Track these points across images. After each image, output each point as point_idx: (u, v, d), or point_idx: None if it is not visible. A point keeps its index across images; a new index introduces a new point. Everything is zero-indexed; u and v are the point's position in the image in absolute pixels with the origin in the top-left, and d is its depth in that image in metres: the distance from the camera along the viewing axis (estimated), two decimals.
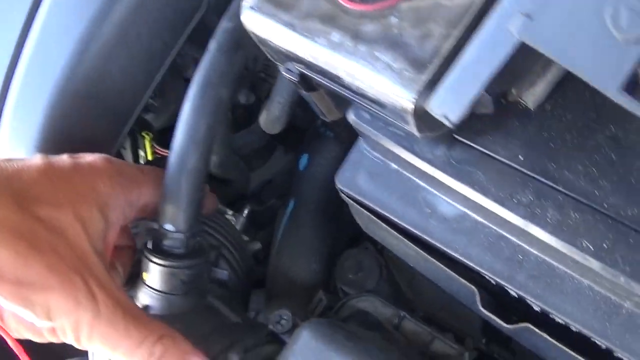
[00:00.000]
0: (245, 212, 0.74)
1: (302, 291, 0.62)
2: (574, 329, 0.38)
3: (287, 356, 0.44)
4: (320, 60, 0.38)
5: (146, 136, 0.69)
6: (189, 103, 0.49)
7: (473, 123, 0.40)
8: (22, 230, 0.42)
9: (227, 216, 0.72)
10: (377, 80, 0.36)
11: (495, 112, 0.39)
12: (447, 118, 0.31)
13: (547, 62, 0.37)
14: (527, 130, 0.39)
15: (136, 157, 0.71)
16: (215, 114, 0.48)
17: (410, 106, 0.35)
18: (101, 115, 0.57)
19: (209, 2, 0.58)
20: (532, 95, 0.38)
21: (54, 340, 0.46)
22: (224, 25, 0.51)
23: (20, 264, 0.41)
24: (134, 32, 0.56)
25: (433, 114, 0.32)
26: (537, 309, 0.40)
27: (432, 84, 0.35)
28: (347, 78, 0.37)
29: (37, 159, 0.47)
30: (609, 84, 0.26)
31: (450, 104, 0.31)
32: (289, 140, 0.78)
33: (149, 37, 0.57)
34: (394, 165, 0.45)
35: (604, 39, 0.26)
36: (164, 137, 0.72)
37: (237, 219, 0.74)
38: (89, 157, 0.49)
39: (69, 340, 0.45)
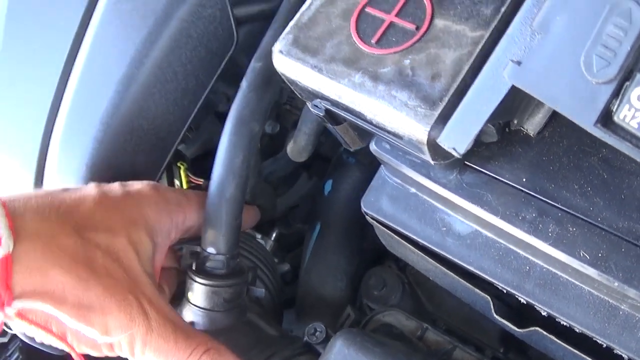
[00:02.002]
0: (274, 235, 0.82)
1: (331, 308, 0.69)
2: (577, 330, 0.45)
3: None
4: (344, 99, 0.45)
5: (181, 166, 0.77)
6: (226, 138, 0.56)
7: (481, 150, 0.47)
8: (82, 257, 0.50)
9: (257, 239, 0.79)
10: (394, 116, 0.43)
11: (500, 139, 0.46)
12: (455, 150, 0.38)
13: None
14: (528, 154, 0.46)
15: (172, 187, 0.79)
16: (249, 147, 0.56)
17: (424, 138, 0.42)
18: (144, 149, 0.64)
19: (237, 42, 0.66)
20: (532, 124, 0.45)
21: (111, 354, 0.53)
22: (253, 65, 0.59)
23: (81, 288, 0.49)
24: (170, 72, 0.64)
25: (443, 147, 0.39)
26: (544, 313, 0.47)
27: (442, 118, 0.42)
28: (368, 114, 0.45)
29: (91, 189, 0.54)
30: (585, 119, 0.33)
31: (457, 138, 0.38)
32: (312, 167, 0.86)
33: (184, 75, 0.65)
34: (412, 190, 0.52)
35: (580, 81, 0.33)
36: (196, 166, 0.80)
37: (265, 243, 0.82)
38: (137, 185, 0.56)
39: (125, 353, 0.52)
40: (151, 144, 0.65)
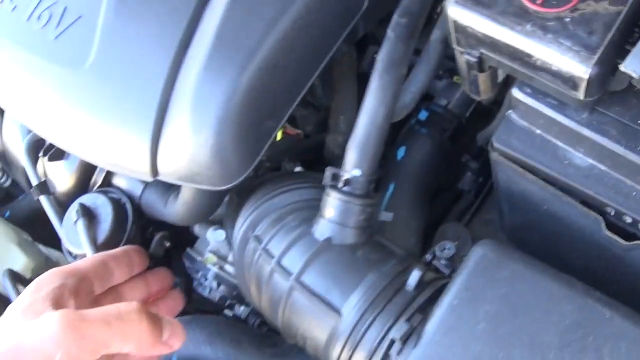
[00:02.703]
0: None
1: None
2: None
3: (462, 273, 0.61)
4: (517, 44, 0.58)
5: None
6: (377, 75, 0.67)
7: (606, 97, 0.60)
8: None
9: None
10: (560, 58, 0.56)
11: (624, 89, 0.60)
12: (635, 72, 0.52)
13: None
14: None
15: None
16: (398, 85, 0.67)
17: (586, 76, 0.55)
18: (276, 92, 0.73)
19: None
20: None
21: None
22: (398, 19, 0.70)
23: None
24: (303, 33, 0.74)
25: (625, 71, 0.53)
26: None
27: (599, 62, 0.55)
28: (536, 56, 0.57)
29: None
30: None
31: (636, 64, 0.52)
32: None
33: (316, 36, 0.74)
34: (537, 131, 0.65)
35: None
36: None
37: None
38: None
39: None
40: (283, 88, 0.74)
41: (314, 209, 0.73)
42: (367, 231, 0.68)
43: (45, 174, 0.95)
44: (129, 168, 0.78)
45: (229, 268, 0.93)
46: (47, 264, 1.17)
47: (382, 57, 0.68)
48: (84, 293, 0.63)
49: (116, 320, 0.57)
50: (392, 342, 0.61)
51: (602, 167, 0.62)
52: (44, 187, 0.94)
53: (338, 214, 0.67)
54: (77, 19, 0.82)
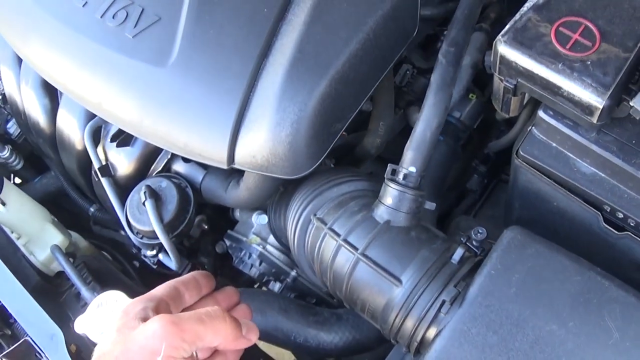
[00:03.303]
0: None
1: None
2: None
3: (497, 250, 0.80)
4: (550, 78, 0.77)
5: None
6: (432, 93, 0.86)
7: (611, 122, 0.81)
8: None
9: None
10: (583, 92, 0.76)
11: (623, 118, 0.81)
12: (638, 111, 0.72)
13: None
14: (638, 126, 0.81)
15: None
16: (448, 101, 0.86)
17: (600, 106, 0.75)
18: (347, 93, 0.89)
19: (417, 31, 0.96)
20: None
21: None
22: (447, 48, 0.88)
23: None
24: (370, 51, 0.90)
25: (633, 112, 0.73)
26: (632, 223, 0.82)
27: (611, 97, 0.75)
28: (565, 89, 0.77)
29: None
30: None
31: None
32: None
33: (378, 55, 0.92)
34: (554, 144, 0.85)
35: None
36: None
37: None
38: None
39: None
40: (350, 96, 0.91)
41: (369, 197, 0.91)
42: (417, 216, 0.86)
43: (106, 159, 1.07)
44: (207, 156, 0.92)
45: (270, 248, 1.09)
46: (71, 243, 1.29)
47: (435, 78, 0.87)
48: (164, 313, 0.72)
49: (207, 317, 0.70)
50: (443, 302, 0.79)
51: (603, 175, 0.83)
52: (106, 170, 1.06)
53: (396, 202, 0.85)
54: (157, 21, 0.96)
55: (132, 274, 1.28)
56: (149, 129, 0.96)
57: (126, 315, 0.71)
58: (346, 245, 0.85)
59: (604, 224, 0.84)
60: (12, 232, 1.19)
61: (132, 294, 0.93)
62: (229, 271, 1.19)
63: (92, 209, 1.34)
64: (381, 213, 0.86)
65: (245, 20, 0.93)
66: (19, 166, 1.43)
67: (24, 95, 1.16)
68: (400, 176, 0.86)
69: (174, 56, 0.93)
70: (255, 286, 1.17)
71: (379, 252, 0.84)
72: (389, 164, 0.87)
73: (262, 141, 0.88)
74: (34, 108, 1.16)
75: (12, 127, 1.37)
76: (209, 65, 0.92)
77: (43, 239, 1.22)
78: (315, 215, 0.91)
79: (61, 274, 1.19)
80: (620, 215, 0.83)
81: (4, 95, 1.27)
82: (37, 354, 0.96)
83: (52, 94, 1.15)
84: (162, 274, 1.11)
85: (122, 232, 1.35)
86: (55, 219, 1.30)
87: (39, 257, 1.18)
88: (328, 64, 0.87)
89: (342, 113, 0.90)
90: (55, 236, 1.22)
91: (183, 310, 0.78)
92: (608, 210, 0.84)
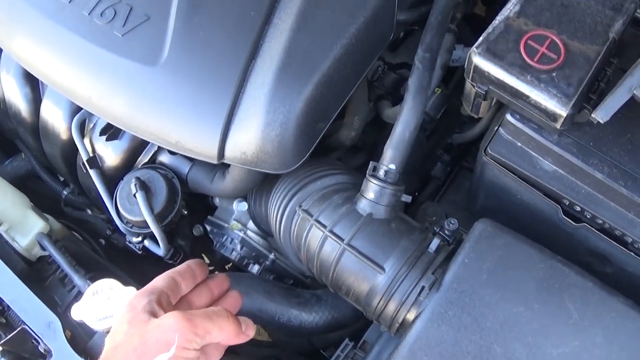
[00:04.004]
0: None
1: None
2: (607, 226, 0.91)
3: (469, 240, 0.89)
4: (519, 87, 0.86)
5: None
6: (410, 96, 0.93)
7: (571, 126, 0.91)
8: None
9: None
10: (549, 101, 0.85)
11: (583, 123, 0.91)
12: (601, 119, 0.82)
13: None
14: (593, 131, 0.91)
15: None
16: (424, 104, 0.94)
17: (564, 115, 0.85)
18: (331, 92, 0.96)
19: (393, 35, 1.03)
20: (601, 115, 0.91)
21: None
22: (423, 54, 0.96)
23: None
24: (352, 56, 0.97)
25: (596, 117, 0.83)
26: (588, 215, 0.92)
27: (574, 106, 0.85)
28: (532, 97, 0.86)
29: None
30: None
31: (602, 114, 0.82)
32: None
33: (359, 58, 0.99)
34: (518, 144, 0.95)
35: None
36: None
37: None
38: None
39: None
40: (333, 97, 0.97)
41: (351, 190, 0.99)
42: (396, 209, 0.95)
43: (93, 150, 1.11)
44: (198, 152, 0.98)
45: (250, 233, 1.16)
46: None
47: (413, 82, 0.94)
48: (165, 304, 0.81)
49: (214, 315, 0.80)
50: (423, 288, 0.89)
51: (563, 172, 0.93)
52: (94, 161, 1.10)
53: (377, 196, 0.93)
54: (146, 21, 1.00)
55: (100, 252, 1.33)
56: (140, 125, 1.00)
57: (134, 309, 0.79)
58: (332, 236, 0.93)
59: (563, 215, 0.95)
60: None
61: (111, 275, 1.01)
62: (201, 252, 1.27)
63: (64, 192, 1.37)
64: (364, 206, 0.94)
65: (233, 22, 0.97)
66: None
67: (5, 83, 1.18)
68: (381, 172, 0.94)
69: (164, 56, 0.97)
70: (228, 267, 1.25)
71: (363, 243, 0.92)
72: (370, 162, 0.95)
73: (252, 139, 0.94)
74: (15, 96, 1.18)
75: None
76: (199, 65, 0.97)
77: (24, 225, 1.24)
78: (300, 206, 0.99)
79: (42, 259, 1.22)
80: (578, 209, 0.93)
81: None
82: (33, 341, 1.01)
83: (33, 84, 1.17)
84: (128, 251, 1.17)
85: (90, 212, 1.40)
86: (33, 205, 1.32)
87: (22, 243, 1.21)
88: (314, 69, 0.93)
89: (326, 113, 0.97)
90: (36, 222, 1.24)
91: (181, 299, 0.86)
92: (567, 204, 0.94)
